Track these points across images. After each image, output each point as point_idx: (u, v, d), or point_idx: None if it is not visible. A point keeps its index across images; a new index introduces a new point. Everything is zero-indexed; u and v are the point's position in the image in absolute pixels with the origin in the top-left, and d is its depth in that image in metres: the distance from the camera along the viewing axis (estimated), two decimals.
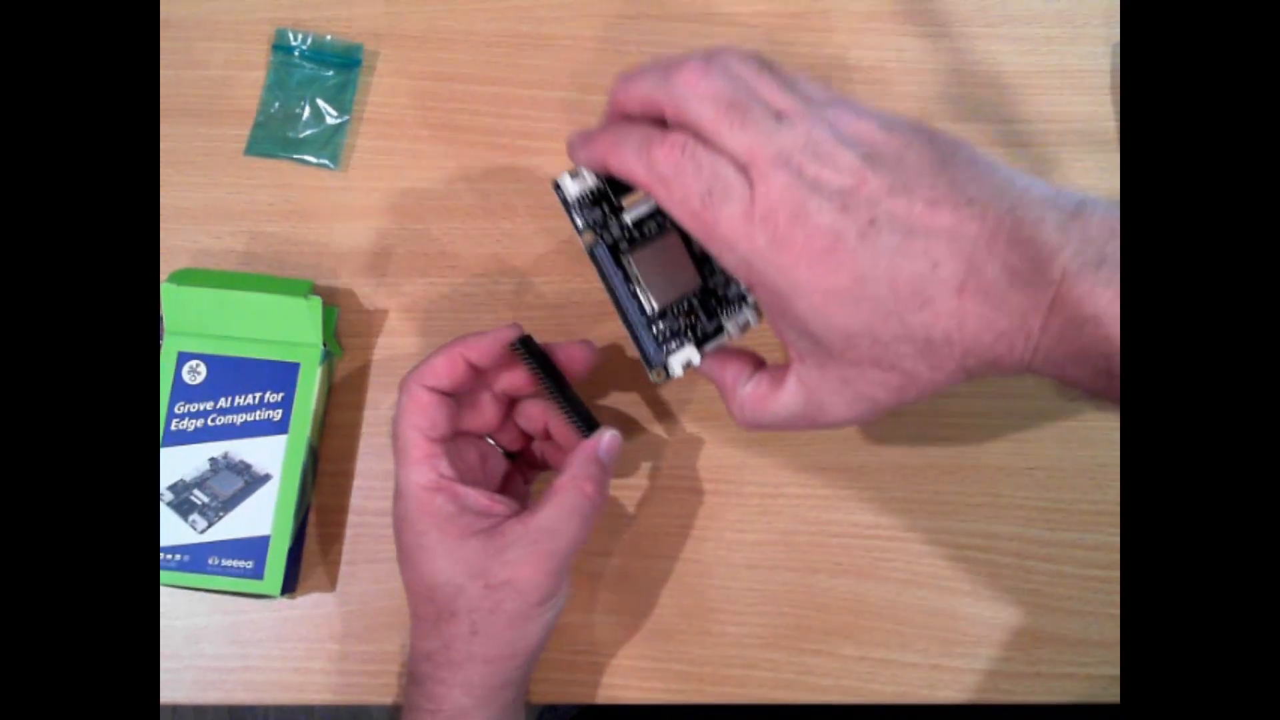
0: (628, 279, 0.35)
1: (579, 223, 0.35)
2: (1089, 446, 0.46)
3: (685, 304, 0.36)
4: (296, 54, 0.50)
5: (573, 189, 0.35)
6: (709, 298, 0.37)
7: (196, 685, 0.44)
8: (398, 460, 0.38)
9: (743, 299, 0.38)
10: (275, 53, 0.50)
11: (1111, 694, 0.44)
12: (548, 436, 0.43)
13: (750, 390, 0.36)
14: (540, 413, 0.43)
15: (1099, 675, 0.44)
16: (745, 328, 0.38)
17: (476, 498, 0.38)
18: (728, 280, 0.38)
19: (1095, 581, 0.45)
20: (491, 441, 0.43)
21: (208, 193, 0.48)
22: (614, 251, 0.35)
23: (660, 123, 0.34)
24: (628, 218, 0.36)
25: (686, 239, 0.37)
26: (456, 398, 0.40)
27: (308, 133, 0.49)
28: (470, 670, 0.38)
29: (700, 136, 0.32)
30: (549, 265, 0.48)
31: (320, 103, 0.49)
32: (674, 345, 0.36)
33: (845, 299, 0.30)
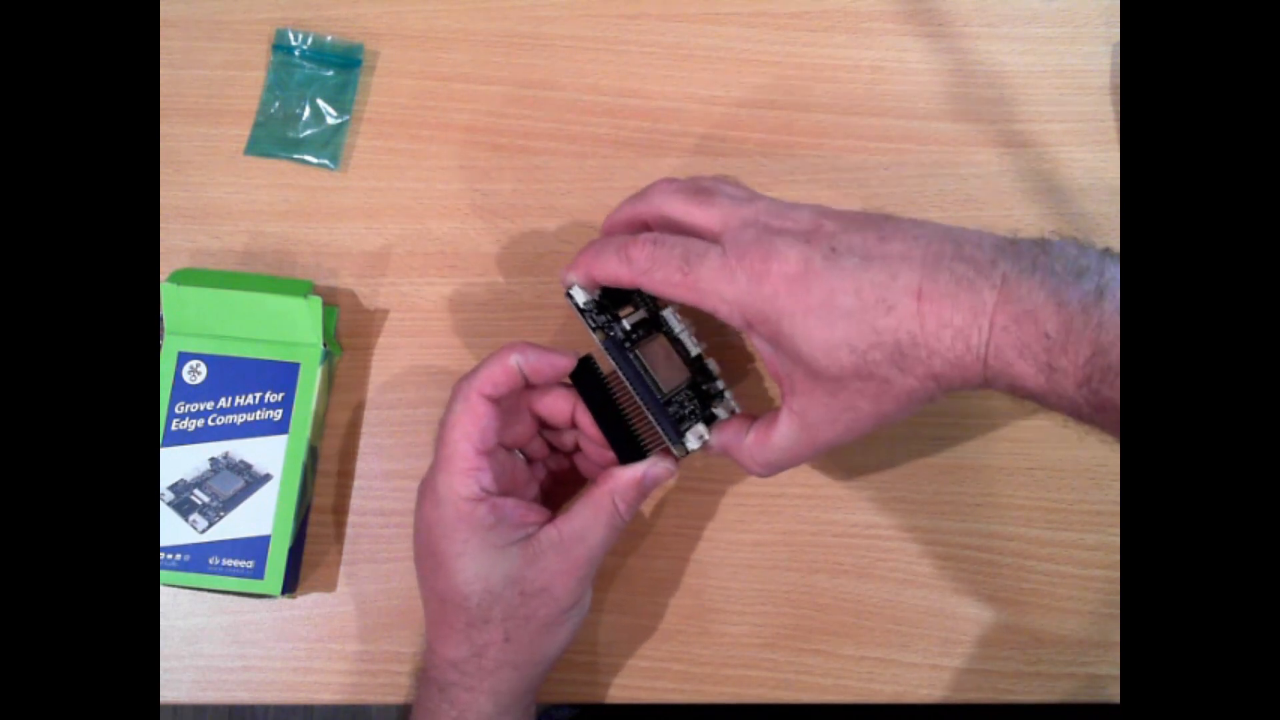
0: (639, 369, 0.40)
1: (591, 324, 0.40)
2: (1089, 446, 0.46)
3: (683, 394, 0.41)
4: (296, 54, 0.50)
5: (581, 297, 0.40)
6: (697, 391, 0.41)
7: (196, 685, 0.44)
8: (441, 466, 0.38)
9: (721, 394, 0.42)
10: (275, 53, 0.50)
11: (1111, 694, 0.44)
12: (577, 449, 0.44)
13: (752, 437, 0.39)
14: (572, 434, 0.43)
15: (1099, 675, 0.44)
16: (732, 413, 0.42)
17: (514, 508, 0.38)
18: (710, 377, 0.42)
19: (1095, 581, 0.45)
20: (519, 454, 0.43)
21: (208, 193, 0.48)
22: (622, 347, 0.40)
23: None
24: (625, 323, 0.41)
25: (671, 341, 0.42)
26: (501, 408, 0.40)
27: (308, 133, 0.49)
28: (500, 677, 0.38)
29: (672, 224, 0.38)
30: (549, 265, 0.48)
31: (320, 103, 0.49)
32: (685, 426, 0.40)
33: (822, 314, 0.34)
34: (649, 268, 0.37)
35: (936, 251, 0.33)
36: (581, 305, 0.40)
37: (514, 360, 0.39)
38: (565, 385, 0.41)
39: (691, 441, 0.40)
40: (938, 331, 0.32)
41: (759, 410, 0.44)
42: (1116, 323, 0.30)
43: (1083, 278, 0.31)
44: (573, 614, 0.39)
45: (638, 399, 0.40)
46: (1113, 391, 0.30)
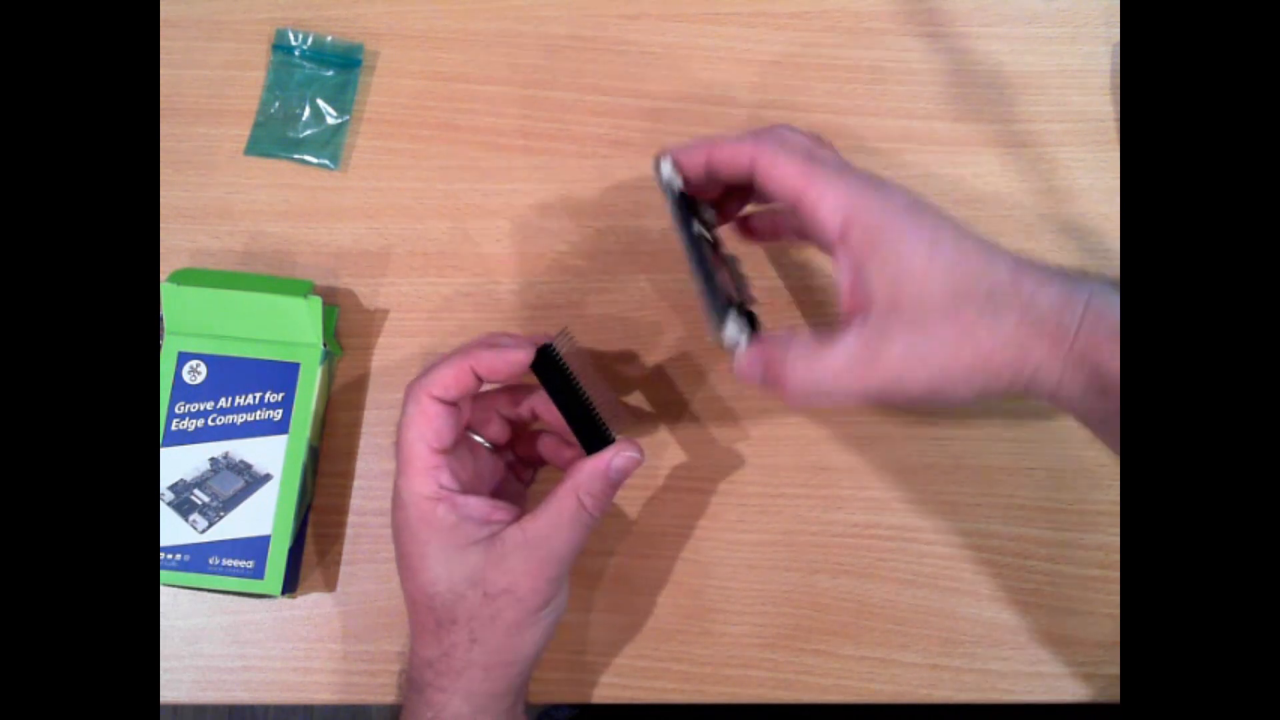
0: (698, 246, 0.39)
1: (670, 196, 0.40)
2: (1089, 446, 0.46)
3: (727, 297, 0.39)
4: (296, 54, 0.50)
5: (666, 169, 0.39)
6: (743, 311, 0.40)
7: (196, 685, 0.44)
8: (400, 469, 0.38)
9: (760, 324, 0.40)
10: (275, 53, 0.50)
11: (1111, 694, 0.44)
12: (542, 430, 0.43)
13: (800, 350, 0.36)
14: (543, 417, 0.43)
15: (1099, 675, 0.44)
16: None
17: (477, 506, 0.38)
18: (752, 313, 0.40)
19: (1095, 581, 0.45)
20: (485, 443, 0.43)
21: (208, 193, 0.48)
22: (688, 216, 0.40)
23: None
24: (695, 225, 0.40)
25: (726, 264, 0.41)
26: (460, 404, 0.40)
27: (308, 133, 0.49)
28: (470, 678, 0.38)
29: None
30: (548, 265, 0.48)
31: (320, 103, 0.49)
32: (727, 314, 0.38)
33: (929, 238, 0.34)
34: (774, 147, 0.37)
35: (1018, 259, 0.35)
36: (665, 178, 0.40)
37: (466, 364, 0.38)
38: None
39: (730, 328, 0.38)
40: (1034, 293, 0.33)
41: None
42: None
43: None
44: (543, 615, 0.38)
45: (692, 268, 0.39)
46: None
